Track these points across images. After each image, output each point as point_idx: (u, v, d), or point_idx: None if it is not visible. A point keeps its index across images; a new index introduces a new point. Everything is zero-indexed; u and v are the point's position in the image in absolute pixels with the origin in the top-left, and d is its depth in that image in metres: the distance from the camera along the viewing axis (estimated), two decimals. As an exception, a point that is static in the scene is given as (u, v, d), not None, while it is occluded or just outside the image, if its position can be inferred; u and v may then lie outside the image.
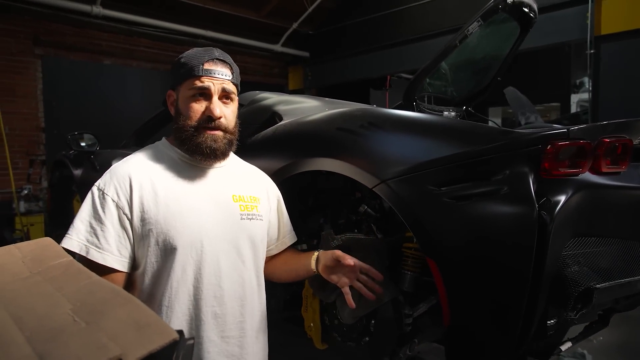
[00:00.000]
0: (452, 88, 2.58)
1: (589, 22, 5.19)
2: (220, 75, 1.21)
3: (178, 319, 1.15)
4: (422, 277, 1.43)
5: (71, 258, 0.86)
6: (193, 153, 1.22)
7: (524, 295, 1.13)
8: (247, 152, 1.45)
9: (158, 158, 1.25)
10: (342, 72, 8.38)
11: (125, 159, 1.25)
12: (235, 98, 1.28)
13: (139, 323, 0.61)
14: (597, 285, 1.16)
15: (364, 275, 1.27)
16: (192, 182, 1.22)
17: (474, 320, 1.25)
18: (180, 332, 0.61)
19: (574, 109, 6.74)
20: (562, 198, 1.15)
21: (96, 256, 1.12)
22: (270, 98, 2.19)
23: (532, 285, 1.13)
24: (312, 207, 1.83)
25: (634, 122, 1.34)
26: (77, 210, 1.17)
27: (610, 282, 1.21)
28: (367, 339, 1.53)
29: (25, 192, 5.73)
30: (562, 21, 5.42)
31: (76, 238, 1.13)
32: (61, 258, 0.85)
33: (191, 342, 0.64)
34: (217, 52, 1.24)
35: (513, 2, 2.07)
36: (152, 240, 1.14)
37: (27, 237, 5.36)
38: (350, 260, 1.22)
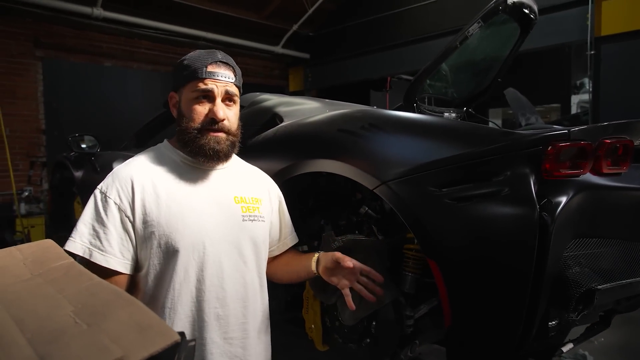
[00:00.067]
0: (453, 89, 2.59)
1: (589, 23, 5.20)
2: (223, 78, 1.21)
3: (181, 321, 1.15)
4: (423, 279, 1.43)
5: (72, 260, 0.86)
6: (196, 155, 1.22)
7: (525, 296, 1.13)
8: (247, 153, 1.45)
9: (160, 160, 1.25)
10: (342, 73, 8.39)
11: (127, 161, 1.26)
12: (238, 100, 1.28)
13: (141, 325, 0.61)
14: (599, 287, 1.16)
15: (364, 278, 1.27)
16: (193, 184, 1.23)
17: (475, 321, 1.25)
18: (181, 333, 0.61)
19: (574, 110, 6.74)
20: (563, 199, 1.15)
21: (99, 259, 1.13)
22: (271, 99, 2.19)
23: (533, 287, 1.13)
24: (312, 208, 1.83)
25: (634, 123, 1.34)
26: (78, 212, 1.18)
27: (612, 284, 1.21)
28: (368, 340, 1.53)
29: (26, 194, 5.73)
30: (562, 22, 5.42)
31: (79, 241, 1.14)
32: (62, 260, 0.85)
33: (192, 343, 0.64)
34: (220, 55, 1.24)
35: (513, 3, 2.07)
36: (155, 243, 1.15)
37: (27, 239, 5.37)
38: (349, 262, 1.22)
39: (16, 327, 0.60)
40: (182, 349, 0.60)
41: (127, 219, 1.15)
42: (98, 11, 6.06)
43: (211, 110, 1.20)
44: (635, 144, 1.30)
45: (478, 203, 1.20)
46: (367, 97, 8.85)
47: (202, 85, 1.19)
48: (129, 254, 1.16)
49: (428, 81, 2.29)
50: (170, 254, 1.15)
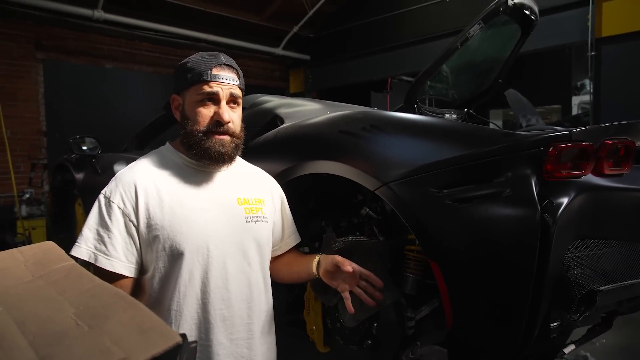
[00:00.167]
0: (454, 90, 2.58)
1: (589, 24, 5.20)
2: (227, 80, 1.21)
3: (187, 323, 1.16)
4: (424, 280, 1.43)
5: (74, 262, 0.86)
6: (201, 158, 1.22)
7: (527, 297, 1.13)
8: (248, 155, 1.46)
9: (163, 164, 1.26)
10: (343, 75, 8.39)
11: (130, 165, 1.26)
12: (241, 102, 1.29)
13: (142, 327, 0.61)
14: (601, 288, 1.16)
15: (364, 281, 1.26)
16: (196, 187, 1.23)
17: (476, 322, 1.25)
18: (183, 335, 0.61)
19: (575, 111, 6.74)
20: (565, 200, 1.15)
21: (104, 263, 1.14)
22: (272, 101, 2.19)
23: (534, 288, 1.13)
24: (313, 210, 1.83)
25: (635, 124, 1.34)
26: (79, 214, 1.19)
27: (614, 285, 1.21)
28: (369, 342, 1.53)
29: (27, 195, 5.74)
30: (563, 23, 5.42)
31: (85, 246, 1.15)
32: (63, 262, 0.85)
33: (194, 345, 0.64)
34: (224, 57, 1.24)
35: (514, 4, 2.07)
36: (159, 246, 1.16)
37: (28, 241, 5.37)
38: (349, 266, 1.22)
39: (18, 329, 0.60)
40: (184, 351, 0.60)
41: (131, 223, 1.16)
42: (99, 13, 6.07)
43: (216, 113, 1.21)
44: (636, 144, 1.30)
45: (479, 204, 1.19)
46: (367, 99, 8.85)
47: (207, 88, 1.19)
48: (133, 257, 1.17)
49: (429, 82, 2.29)
50: (174, 256, 1.16)
